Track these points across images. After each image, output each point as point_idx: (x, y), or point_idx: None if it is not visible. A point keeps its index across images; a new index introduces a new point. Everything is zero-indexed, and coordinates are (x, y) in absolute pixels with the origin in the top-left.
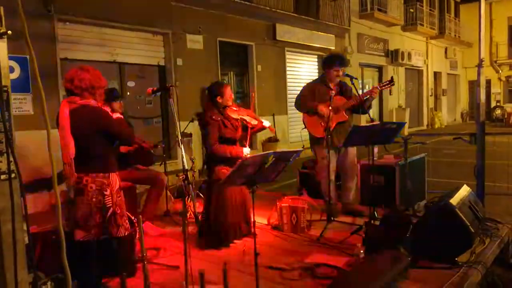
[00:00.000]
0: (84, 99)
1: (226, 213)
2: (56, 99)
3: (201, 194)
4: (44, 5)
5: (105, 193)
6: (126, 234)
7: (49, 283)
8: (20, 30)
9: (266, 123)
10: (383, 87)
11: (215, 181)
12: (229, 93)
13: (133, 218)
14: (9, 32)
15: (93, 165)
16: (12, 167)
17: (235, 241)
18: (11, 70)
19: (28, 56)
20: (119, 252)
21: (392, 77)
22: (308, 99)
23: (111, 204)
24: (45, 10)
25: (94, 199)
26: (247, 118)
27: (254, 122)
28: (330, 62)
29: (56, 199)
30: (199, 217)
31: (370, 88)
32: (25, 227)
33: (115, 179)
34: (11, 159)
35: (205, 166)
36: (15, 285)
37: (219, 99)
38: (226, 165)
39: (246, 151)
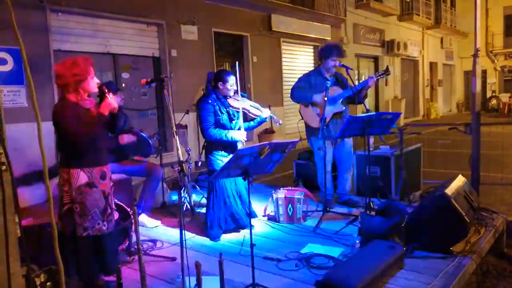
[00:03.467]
0: (64, 95)
1: (223, 204)
2: (50, 91)
3: (197, 186)
4: None
5: (63, 188)
6: (85, 235)
7: (42, 275)
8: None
9: (267, 112)
10: (379, 77)
11: (211, 171)
12: (232, 82)
13: (128, 210)
14: None
15: (61, 159)
16: (3, 159)
17: (232, 232)
18: (4, 62)
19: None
20: (74, 252)
21: (387, 67)
22: (304, 90)
23: (68, 201)
24: (38, 1)
25: (60, 193)
26: (250, 108)
27: (257, 112)
28: (327, 52)
29: (47, 191)
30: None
31: (366, 78)
32: (17, 219)
33: (76, 175)
34: (1, 151)
35: (203, 155)
36: (7, 278)
37: (220, 85)
38: (224, 152)
39: (242, 134)
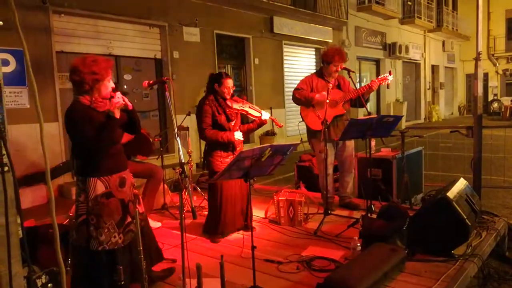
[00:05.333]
0: (77, 97)
1: (224, 206)
2: (52, 92)
3: (198, 188)
4: None
5: (79, 198)
6: (100, 249)
7: (43, 276)
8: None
9: (266, 115)
10: (381, 81)
11: (212, 173)
12: (228, 85)
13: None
14: (1, 22)
15: (76, 166)
16: (5, 160)
17: (233, 234)
18: (7, 63)
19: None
20: (86, 265)
21: (390, 72)
22: (306, 93)
23: (83, 212)
24: (40, 2)
25: (75, 203)
26: (249, 110)
27: (256, 114)
28: (330, 57)
29: (49, 192)
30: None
31: (369, 82)
32: (19, 221)
33: (93, 185)
34: (4, 152)
35: (204, 159)
36: (9, 278)
37: (216, 87)
38: (223, 152)
39: (238, 135)
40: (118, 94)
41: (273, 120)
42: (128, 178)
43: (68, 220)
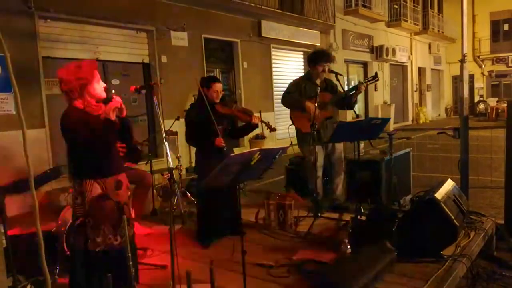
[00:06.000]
0: (70, 103)
1: (214, 211)
2: (38, 98)
3: (187, 193)
4: (24, 2)
5: (76, 201)
6: (98, 250)
7: (29, 286)
8: None
9: (257, 118)
10: (368, 83)
11: (201, 178)
12: (216, 88)
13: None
14: None
15: (72, 170)
16: None
17: (223, 239)
18: None
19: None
20: (83, 268)
21: (376, 73)
22: (295, 96)
23: (80, 214)
24: (26, 7)
25: (72, 206)
26: (239, 114)
27: (248, 118)
28: (316, 58)
29: (33, 200)
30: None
31: (356, 84)
32: (2, 230)
33: (90, 187)
34: None
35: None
36: None
37: (205, 90)
38: (213, 159)
39: (221, 142)
40: (117, 98)
41: (265, 124)
42: (124, 181)
43: (55, 227)
